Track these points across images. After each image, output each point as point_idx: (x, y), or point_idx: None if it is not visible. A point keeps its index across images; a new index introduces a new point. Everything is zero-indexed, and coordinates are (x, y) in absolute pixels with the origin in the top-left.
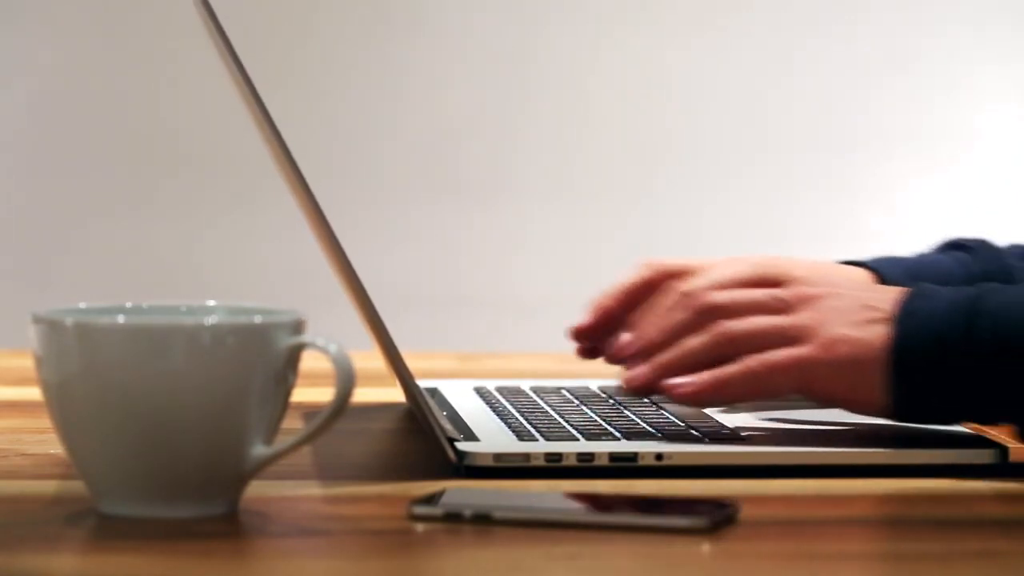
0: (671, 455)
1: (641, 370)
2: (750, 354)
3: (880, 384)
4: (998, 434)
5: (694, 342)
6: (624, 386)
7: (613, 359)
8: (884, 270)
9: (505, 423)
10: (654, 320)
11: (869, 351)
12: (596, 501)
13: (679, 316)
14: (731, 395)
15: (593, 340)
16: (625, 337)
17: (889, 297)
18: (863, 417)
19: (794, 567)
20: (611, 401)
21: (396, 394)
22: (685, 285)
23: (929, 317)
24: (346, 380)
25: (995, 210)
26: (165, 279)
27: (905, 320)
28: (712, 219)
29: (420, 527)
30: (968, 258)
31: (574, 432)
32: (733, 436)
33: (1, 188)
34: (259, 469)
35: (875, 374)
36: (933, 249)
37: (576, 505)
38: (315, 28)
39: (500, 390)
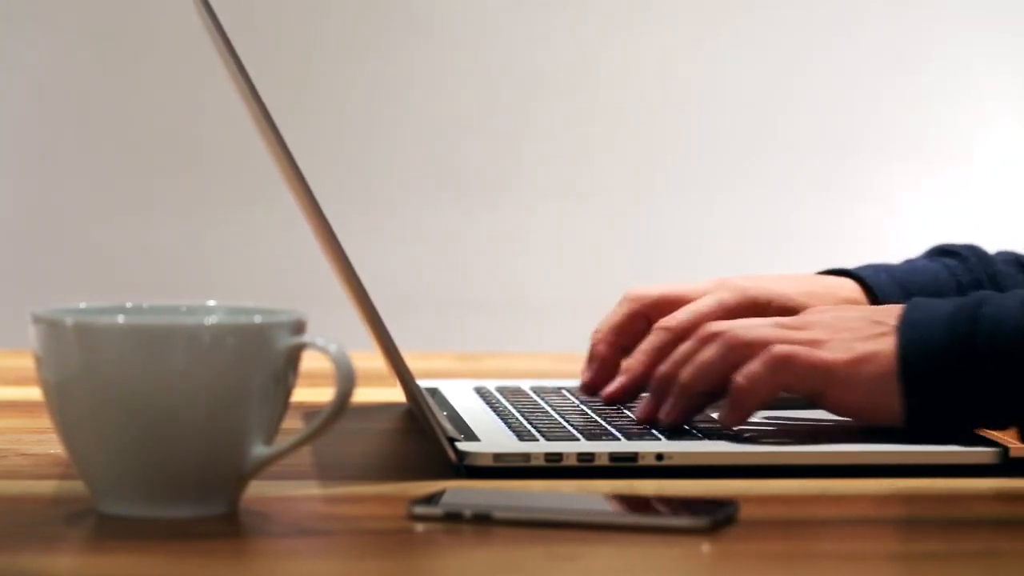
0: (671, 455)
1: (668, 403)
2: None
3: (894, 394)
4: (1002, 435)
5: (707, 354)
6: (651, 418)
7: (608, 401)
8: (871, 278)
9: (505, 423)
10: (642, 358)
11: (883, 362)
12: (596, 501)
13: (685, 347)
14: (759, 388)
15: (604, 385)
16: (615, 383)
17: (894, 312)
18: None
19: (794, 567)
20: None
21: (396, 394)
22: (667, 321)
23: (930, 326)
24: (346, 380)
25: (996, 213)
26: (165, 279)
27: (908, 330)
28: (716, 221)
29: (420, 527)
30: (957, 264)
31: (574, 432)
32: (733, 436)
33: (1, 188)
34: (259, 469)
35: (889, 384)
36: (921, 255)
37: (576, 505)
38: (316, 27)
39: (500, 390)
